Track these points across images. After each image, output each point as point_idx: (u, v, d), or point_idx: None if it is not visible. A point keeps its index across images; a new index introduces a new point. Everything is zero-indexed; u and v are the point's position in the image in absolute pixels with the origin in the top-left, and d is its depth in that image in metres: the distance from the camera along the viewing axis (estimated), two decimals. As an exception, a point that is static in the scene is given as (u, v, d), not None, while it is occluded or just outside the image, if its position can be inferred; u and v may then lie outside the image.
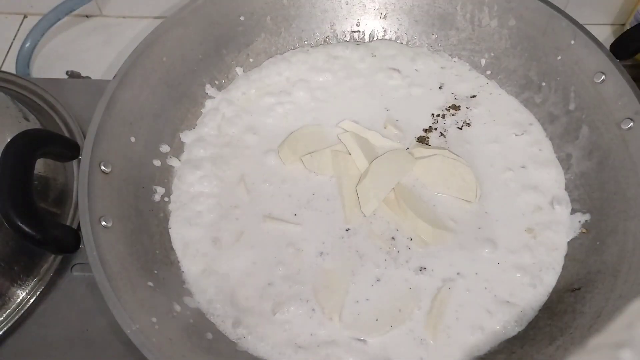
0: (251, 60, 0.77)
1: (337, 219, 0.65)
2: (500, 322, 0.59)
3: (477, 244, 0.63)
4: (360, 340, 0.58)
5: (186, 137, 0.71)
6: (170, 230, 0.65)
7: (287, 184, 0.68)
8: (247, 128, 0.72)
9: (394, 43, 0.79)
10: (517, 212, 0.66)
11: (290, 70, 0.76)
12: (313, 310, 0.60)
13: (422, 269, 0.62)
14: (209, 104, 0.74)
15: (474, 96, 0.75)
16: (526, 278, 0.61)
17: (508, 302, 0.60)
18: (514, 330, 0.59)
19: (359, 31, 0.80)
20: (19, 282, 0.63)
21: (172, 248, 0.64)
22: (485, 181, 0.68)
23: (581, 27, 0.67)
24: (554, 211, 0.66)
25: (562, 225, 0.65)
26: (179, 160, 0.69)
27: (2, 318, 0.62)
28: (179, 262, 0.63)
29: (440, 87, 0.75)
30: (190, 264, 0.63)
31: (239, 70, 0.77)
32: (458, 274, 0.62)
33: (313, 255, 0.63)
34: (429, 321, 0.59)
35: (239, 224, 0.65)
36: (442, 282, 0.61)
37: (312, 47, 0.79)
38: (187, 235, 0.64)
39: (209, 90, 0.74)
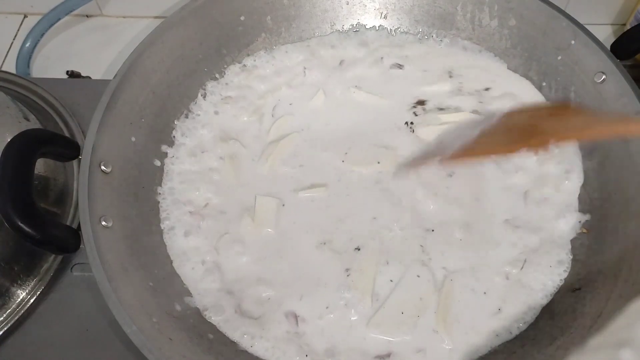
0: (252, 60, 0.77)
1: (333, 216, 0.65)
2: (501, 323, 0.59)
3: (478, 243, 0.63)
4: (364, 338, 0.58)
5: (186, 137, 0.71)
6: (169, 230, 0.65)
7: (291, 189, 0.68)
8: (247, 127, 0.72)
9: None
10: (518, 212, 0.66)
11: (289, 68, 0.76)
12: (314, 309, 0.60)
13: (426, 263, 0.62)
14: (209, 104, 0.74)
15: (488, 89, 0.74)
16: (528, 279, 0.61)
17: (508, 302, 0.60)
18: (515, 330, 0.59)
19: (359, 31, 0.80)
20: (19, 282, 0.63)
21: (171, 247, 0.64)
22: (488, 181, 0.67)
23: (581, 27, 0.67)
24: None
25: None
26: (179, 160, 0.69)
27: (2, 318, 0.62)
28: (178, 262, 0.63)
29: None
30: (190, 264, 0.63)
31: (239, 70, 0.76)
32: (459, 273, 0.61)
33: (311, 252, 0.63)
34: (438, 317, 0.59)
35: (238, 224, 0.65)
36: (445, 277, 0.61)
37: (311, 40, 0.79)
38: (186, 235, 0.64)
39: (209, 90, 0.74)
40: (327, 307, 0.60)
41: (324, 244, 0.63)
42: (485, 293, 0.60)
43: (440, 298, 0.60)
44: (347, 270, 0.61)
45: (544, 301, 0.60)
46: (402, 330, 0.58)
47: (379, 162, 0.68)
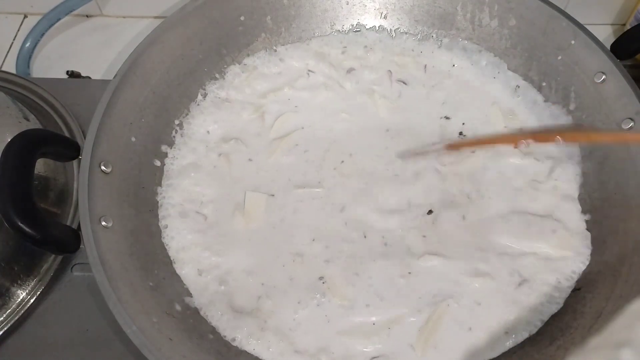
0: (252, 60, 0.77)
1: (324, 217, 0.65)
2: (502, 330, 0.59)
3: (477, 254, 0.63)
4: (357, 344, 0.58)
5: (186, 137, 0.71)
6: (169, 230, 0.65)
7: (286, 187, 0.68)
8: (248, 126, 0.72)
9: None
10: (519, 211, 0.65)
11: (291, 69, 0.76)
12: (312, 311, 0.60)
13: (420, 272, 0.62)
14: (208, 104, 0.74)
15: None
16: (531, 289, 0.61)
17: (513, 301, 0.60)
18: (520, 336, 0.59)
19: (359, 31, 0.80)
20: (19, 282, 0.63)
21: (171, 247, 0.64)
22: (490, 183, 0.67)
23: (581, 27, 0.67)
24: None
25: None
26: (179, 160, 0.69)
27: (2, 318, 0.62)
28: (177, 262, 0.63)
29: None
30: (190, 264, 0.63)
31: (239, 70, 0.77)
32: (457, 283, 0.61)
33: (313, 256, 0.63)
34: (421, 335, 0.58)
35: (237, 225, 0.65)
36: (440, 291, 0.60)
37: (311, 40, 0.79)
38: (185, 235, 0.64)
39: (209, 90, 0.74)
40: (302, 308, 0.60)
41: (311, 244, 0.63)
42: (471, 329, 0.59)
43: (430, 317, 0.59)
44: (321, 278, 0.61)
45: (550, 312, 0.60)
46: (372, 340, 0.58)
47: (374, 168, 0.68)
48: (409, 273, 0.61)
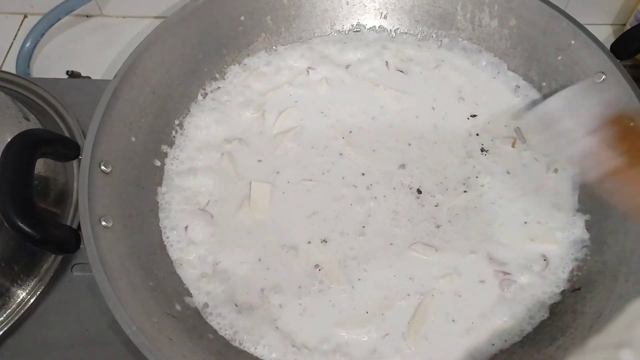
0: (252, 60, 0.77)
1: (326, 209, 0.66)
2: (498, 325, 0.59)
3: (468, 247, 0.63)
4: (354, 338, 0.58)
5: (186, 136, 0.71)
6: (169, 230, 0.65)
7: (285, 187, 0.68)
8: (250, 124, 0.72)
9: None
10: (518, 212, 0.66)
11: (291, 67, 0.77)
12: (311, 311, 0.60)
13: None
14: (209, 103, 0.74)
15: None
16: (528, 283, 0.61)
17: (511, 299, 0.60)
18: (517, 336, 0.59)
19: (359, 31, 0.80)
20: (19, 282, 0.63)
21: (172, 247, 0.64)
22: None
23: (581, 27, 0.67)
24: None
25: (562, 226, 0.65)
26: (179, 160, 0.69)
27: (2, 318, 0.62)
28: (178, 262, 0.63)
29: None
30: (190, 264, 0.63)
31: (239, 69, 0.77)
32: (444, 274, 0.62)
33: (313, 253, 0.63)
34: (411, 326, 0.59)
35: (237, 225, 0.65)
36: (432, 284, 0.61)
37: (311, 40, 0.79)
38: (186, 234, 0.64)
39: (209, 90, 0.74)
40: (305, 294, 0.61)
41: (315, 232, 0.64)
42: (455, 321, 0.60)
43: (417, 310, 0.59)
44: (316, 266, 0.62)
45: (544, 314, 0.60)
46: (366, 329, 0.59)
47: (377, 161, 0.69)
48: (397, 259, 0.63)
